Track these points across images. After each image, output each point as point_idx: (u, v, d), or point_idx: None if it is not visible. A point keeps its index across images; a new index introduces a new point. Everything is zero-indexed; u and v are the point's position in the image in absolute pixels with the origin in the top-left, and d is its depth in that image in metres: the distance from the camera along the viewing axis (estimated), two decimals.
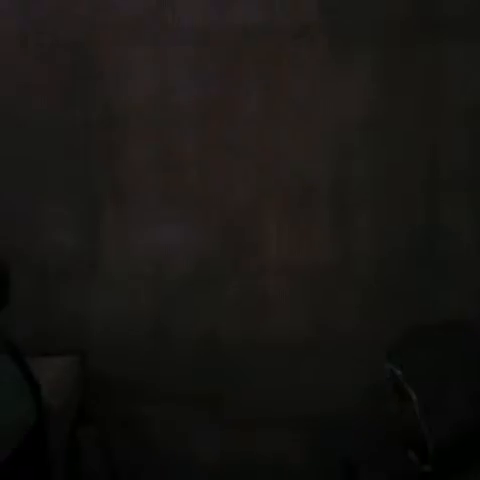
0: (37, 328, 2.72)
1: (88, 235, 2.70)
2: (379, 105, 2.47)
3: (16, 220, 2.75)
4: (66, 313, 2.73)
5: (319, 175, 2.52)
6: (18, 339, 2.43)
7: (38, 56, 2.66)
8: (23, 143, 2.72)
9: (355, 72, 2.48)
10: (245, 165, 2.56)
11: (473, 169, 2.51)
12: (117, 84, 2.63)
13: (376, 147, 2.50)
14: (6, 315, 2.62)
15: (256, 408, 2.63)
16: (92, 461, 2.63)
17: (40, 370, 2.49)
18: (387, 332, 2.07)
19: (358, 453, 2.17)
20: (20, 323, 2.71)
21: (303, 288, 2.56)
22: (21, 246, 2.76)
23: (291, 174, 2.54)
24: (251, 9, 2.51)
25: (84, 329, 2.71)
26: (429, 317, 2.25)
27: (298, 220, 2.55)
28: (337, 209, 2.52)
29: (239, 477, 2.64)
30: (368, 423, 2.37)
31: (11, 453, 1.94)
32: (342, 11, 2.46)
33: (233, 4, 2.52)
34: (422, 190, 2.50)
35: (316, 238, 2.54)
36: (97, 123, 2.65)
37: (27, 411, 2.00)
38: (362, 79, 2.48)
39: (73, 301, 2.73)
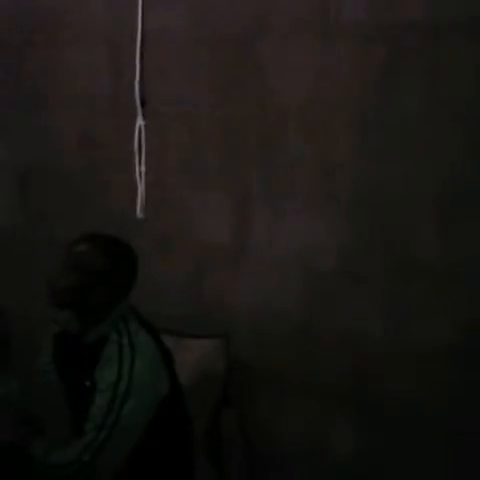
0: (187, 311, 2.82)
1: (240, 225, 2.76)
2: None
3: (172, 206, 2.88)
4: (216, 298, 2.81)
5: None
6: (168, 320, 2.55)
7: (200, 51, 2.75)
8: (186, 137, 2.83)
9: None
10: (399, 163, 2.52)
11: None
12: (276, 79, 2.66)
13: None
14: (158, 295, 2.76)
15: (393, 405, 2.59)
16: (231, 444, 2.70)
17: (188, 350, 2.60)
18: None
19: None
20: (174, 305, 2.82)
21: (450, 290, 2.49)
22: (175, 232, 2.87)
23: (447, 176, 2.46)
24: (413, 4, 2.45)
25: (232, 314, 2.78)
26: None
27: (453, 219, 2.48)
28: None
29: (373, 471, 2.62)
30: None
31: (149, 421, 2.05)
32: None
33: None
34: None
35: (467, 238, 2.46)
36: (255, 117, 2.70)
37: (161, 381, 2.10)
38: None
39: (223, 287, 2.81)
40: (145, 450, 2.07)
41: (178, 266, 2.87)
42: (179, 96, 2.84)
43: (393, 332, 2.57)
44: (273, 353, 2.75)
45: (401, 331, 2.56)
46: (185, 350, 2.56)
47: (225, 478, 2.65)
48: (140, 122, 2.82)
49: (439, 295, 2.50)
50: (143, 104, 2.82)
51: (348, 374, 2.65)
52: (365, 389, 2.63)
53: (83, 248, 2.10)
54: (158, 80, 2.84)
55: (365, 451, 2.64)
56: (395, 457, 2.59)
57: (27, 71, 3.12)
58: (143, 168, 2.83)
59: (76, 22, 2.98)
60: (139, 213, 2.85)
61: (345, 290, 2.64)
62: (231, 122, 2.76)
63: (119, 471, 2.04)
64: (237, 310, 2.79)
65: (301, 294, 2.70)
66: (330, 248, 2.64)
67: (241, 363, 2.75)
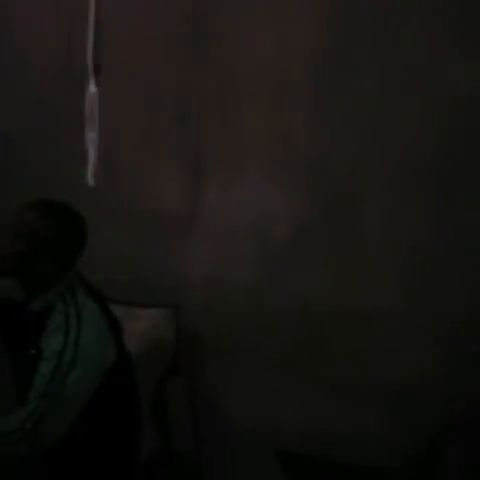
0: (137, 279, 2.80)
1: (193, 194, 2.75)
2: None
3: (125, 174, 2.84)
4: (166, 267, 2.80)
5: (434, 151, 2.44)
6: (119, 288, 2.53)
7: (157, 18, 2.71)
8: (140, 104, 2.80)
9: None
10: (354, 133, 2.52)
11: None
12: (232, 47, 2.64)
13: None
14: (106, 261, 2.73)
15: (341, 376, 2.62)
16: (178, 410, 2.72)
17: (136, 319, 2.59)
18: None
19: (440, 428, 2.14)
20: (122, 273, 2.80)
21: (401, 262, 2.51)
22: (127, 200, 2.84)
23: (400, 146, 2.47)
24: None
25: (184, 284, 2.77)
26: None
27: (399, 192, 2.49)
28: (444, 186, 2.45)
29: (320, 443, 2.65)
30: (451, 395, 2.33)
31: (96, 389, 2.04)
32: None
33: None
34: None
35: (419, 212, 2.47)
36: (210, 85, 2.68)
37: (108, 349, 2.08)
38: None
39: (173, 256, 2.80)
40: (91, 418, 2.06)
41: (129, 234, 2.85)
42: (134, 63, 2.79)
43: (346, 301, 2.60)
44: (225, 323, 2.76)
45: (355, 300, 2.59)
46: (134, 319, 2.55)
47: (171, 446, 2.67)
48: (92, 88, 2.76)
49: (389, 264, 2.53)
50: (96, 70, 2.77)
51: (302, 344, 2.67)
52: (319, 360, 2.66)
53: (28, 214, 2.06)
54: (113, 46, 2.78)
55: (316, 421, 2.67)
56: (345, 428, 2.63)
57: None
58: (94, 135, 2.79)
59: None
60: (90, 180, 2.81)
61: (299, 259, 2.65)
62: (186, 90, 2.73)
63: (64, 439, 2.03)
64: (189, 279, 2.78)
65: (254, 263, 2.71)
66: (284, 217, 2.64)
67: (192, 333, 2.75)
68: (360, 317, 2.58)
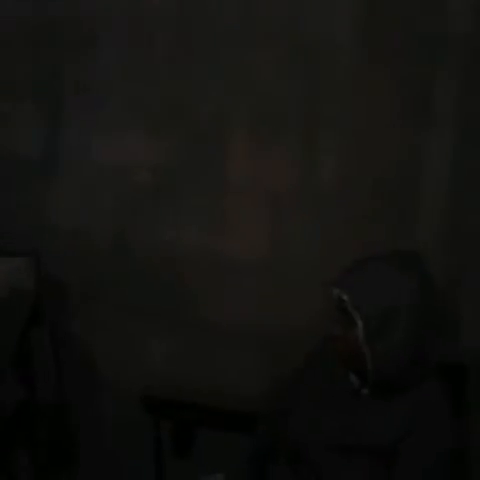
0: None
1: (51, 136, 2.64)
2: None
3: None
4: (24, 213, 2.69)
5: (291, 95, 2.45)
6: None
7: None
8: None
9: None
10: (216, 77, 2.49)
11: None
12: None
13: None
14: None
15: (210, 322, 2.65)
16: (42, 361, 2.66)
17: None
18: (348, 258, 2.05)
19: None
20: None
21: (264, 209, 2.54)
22: None
23: (263, 91, 2.47)
24: None
25: (42, 231, 2.68)
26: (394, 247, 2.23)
27: (264, 138, 2.50)
28: (305, 131, 2.47)
29: (188, 389, 2.66)
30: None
31: None
32: None
33: None
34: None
35: (282, 159, 2.50)
36: (67, 22, 2.55)
37: None
38: None
39: (33, 202, 2.69)
40: None
41: None
42: None
43: (213, 248, 2.61)
44: (89, 270, 2.70)
45: (222, 248, 2.60)
46: None
47: (36, 398, 2.62)
48: None
49: (257, 214, 2.54)
50: None
51: (168, 291, 2.66)
52: (186, 306, 2.67)
53: None
54: None
55: (182, 367, 2.70)
56: (213, 373, 2.67)
57: None
58: None
59: None
60: None
61: (164, 204, 2.62)
62: (39, 26, 2.57)
63: None
64: (53, 226, 2.69)
65: (118, 208, 2.66)
66: (148, 161, 2.59)
67: (55, 281, 2.68)
68: (226, 265, 2.60)
